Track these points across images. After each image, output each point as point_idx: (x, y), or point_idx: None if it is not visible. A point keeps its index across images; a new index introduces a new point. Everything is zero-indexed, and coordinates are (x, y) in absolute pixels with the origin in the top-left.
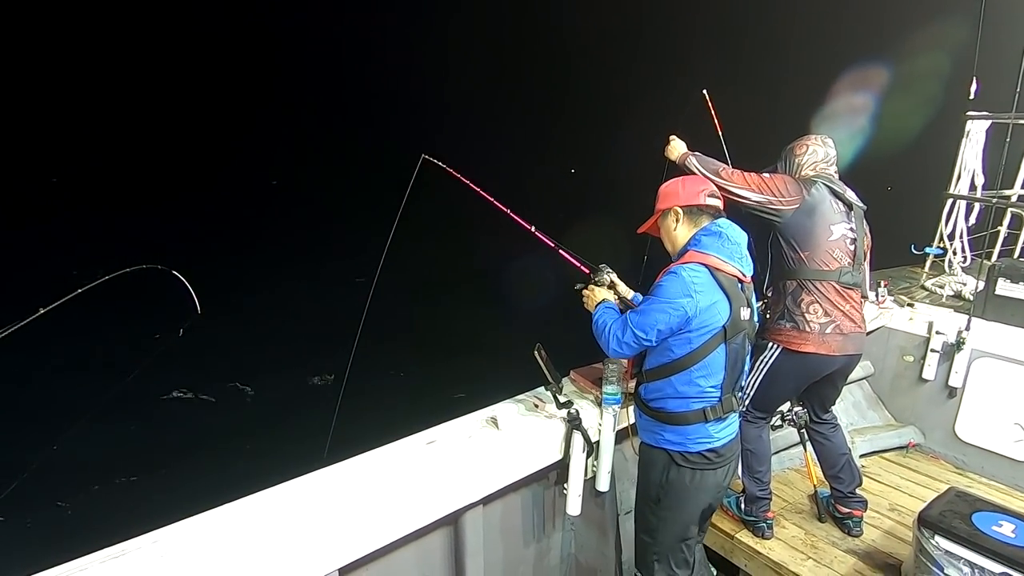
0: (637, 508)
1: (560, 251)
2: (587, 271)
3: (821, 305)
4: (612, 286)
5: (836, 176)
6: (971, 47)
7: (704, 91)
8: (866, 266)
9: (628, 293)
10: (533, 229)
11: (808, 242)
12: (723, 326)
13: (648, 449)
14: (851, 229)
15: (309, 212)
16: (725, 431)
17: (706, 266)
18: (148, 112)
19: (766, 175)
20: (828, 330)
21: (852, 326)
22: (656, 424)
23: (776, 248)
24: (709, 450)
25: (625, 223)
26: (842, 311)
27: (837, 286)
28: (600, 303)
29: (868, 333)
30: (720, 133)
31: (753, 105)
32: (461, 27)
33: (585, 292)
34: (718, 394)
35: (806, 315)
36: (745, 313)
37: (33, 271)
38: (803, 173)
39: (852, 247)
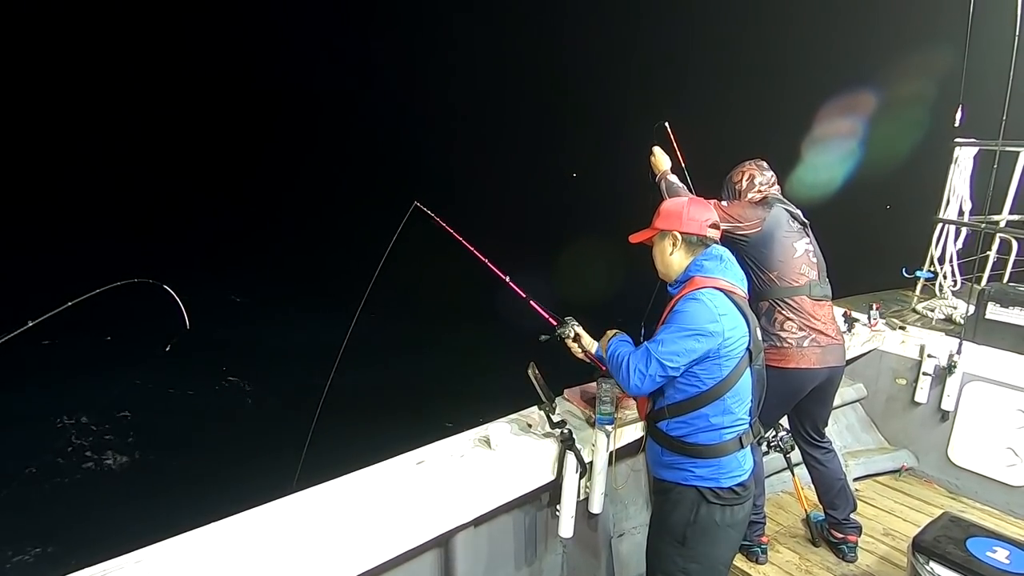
0: (655, 549)
1: (530, 303)
2: (554, 323)
3: (795, 321)
4: (577, 338)
5: (780, 195)
6: (957, 74)
7: (665, 124)
8: None
9: (592, 346)
10: (508, 280)
11: (775, 263)
12: (747, 348)
13: (672, 487)
14: (810, 243)
15: (300, 230)
16: (749, 462)
17: (720, 290)
18: (144, 126)
19: (724, 203)
20: (805, 344)
21: (829, 339)
22: (685, 460)
23: (744, 271)
24: (739, 484)
25: (620, 238)
26: (815, 326)
27: (809, 300)
28: (615, 335)
29: (860, 356)
30: (683, 164)
31: (740, 130)
32: (462, 39)
33: (569, 344)
34: (748, 419)
35: (781, 333)
36: (759, 332)
37: (23, 283)
38: (751, 196)
39: (815, 260)
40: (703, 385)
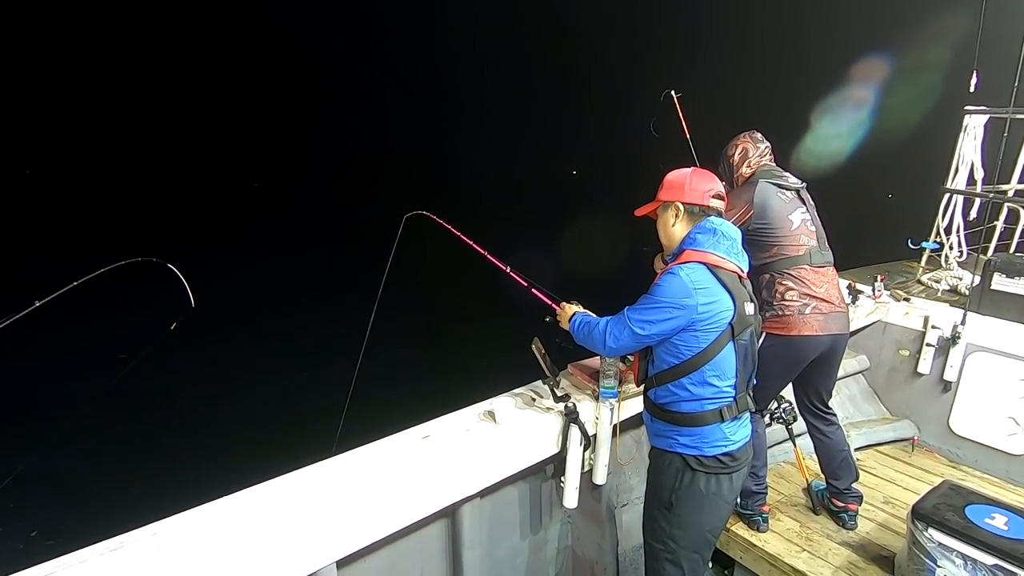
0: (647, 514)
1: (532, 290)
2: (556, 307)
3: (796, 290)
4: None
5: (773, 164)
6: (972, 40)
7: (672, 92)
8: None
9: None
10: (508, 269)
11: (772, 241)
12: (729, 323)
13: (660, 454)
14: (805, 212)
15: (311, 208)
16: (740, 433)
17: (705, 264)
18: (149, 109)
19: None
20: (807, 311)
21: (831, 306)
22: (670, 428)
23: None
24: (725, 454)
25: (622, 220)
26: (816, 294)
27: (810, 268)
28: (575, 313)
29: (864, 328)
30: (688, 135)
31: (752, 98)
32: (463, 30)
33: (557, 311)
34: (733, 393)
35: (783, 301)
36: (749, 308)
37: (28, 264)
38: (741, 171)
39: (813, 228)
40: (682, 355)
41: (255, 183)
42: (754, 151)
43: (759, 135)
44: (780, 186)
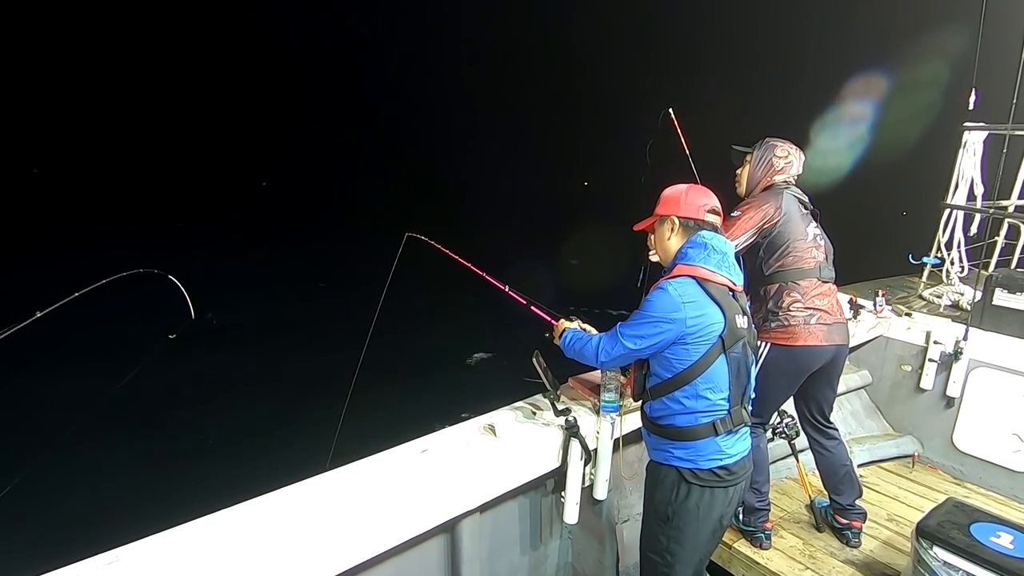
0: (645, 527)
1: (531, 307)
2: (555, 323)
3: (802, 301)
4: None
5: (795, 182)
6: (971, 57)
7: (670, 109)
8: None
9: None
10: (507, 288)
11: (786, 250)
12: (719, 336)
13: (657, 467)
14: (818, 228)
15: (310, 220)
16: (737, 447)
17: (694, 278)
18: (151, 120)
19: (735, 213)
20: (812, 321)
21: (833, 318)
22: (665, 441)
23: (752, 258)
24: (721, 467)
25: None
26: (820, 306)
27: (817, 281)
28: (566, 329)
29: (866, 343)
30: (687, 151)
31: (756, 113)
32: (466, 33)
33: (554, 326)
34: (727, 406)
35: (789, 311)
36: (741, 321)
37: (30, 275)
38: (777, 174)
39: (822, 243)
40: (674, 368)
41: (263, 182)
42: (797, 165)
43: (803, 154)
44: (800, 201)
